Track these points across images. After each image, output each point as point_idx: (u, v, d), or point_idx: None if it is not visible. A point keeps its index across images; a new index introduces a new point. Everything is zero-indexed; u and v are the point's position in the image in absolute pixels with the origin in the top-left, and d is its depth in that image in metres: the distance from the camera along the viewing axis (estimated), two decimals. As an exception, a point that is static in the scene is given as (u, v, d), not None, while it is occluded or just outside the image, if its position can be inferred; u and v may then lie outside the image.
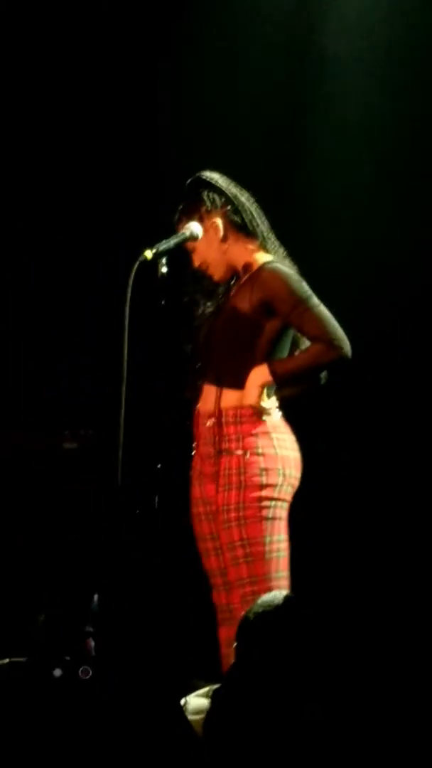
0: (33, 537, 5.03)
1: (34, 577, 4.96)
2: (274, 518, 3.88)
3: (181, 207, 3.99)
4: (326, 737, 2.93)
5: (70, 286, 5.52)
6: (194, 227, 3.93)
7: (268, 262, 3.95)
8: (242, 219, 3.98)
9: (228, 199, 3.98)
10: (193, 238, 3.92)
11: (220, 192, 3.98)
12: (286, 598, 3.22)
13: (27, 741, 3.38)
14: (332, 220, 5.20)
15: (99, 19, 5.47)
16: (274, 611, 3.20)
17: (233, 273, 4.03)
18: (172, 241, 3.85)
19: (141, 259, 3.74)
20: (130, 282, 3.67)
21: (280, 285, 3.89)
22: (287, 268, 3.94)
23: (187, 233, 3.91)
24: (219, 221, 3.97)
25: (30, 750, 3.37)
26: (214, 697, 3.15)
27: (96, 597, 4.79)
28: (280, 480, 3.89)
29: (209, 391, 3.98)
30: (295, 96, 5.29)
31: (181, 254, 3.93)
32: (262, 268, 3.93)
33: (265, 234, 4.02)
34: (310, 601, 3.20)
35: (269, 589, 3.64)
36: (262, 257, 3.99)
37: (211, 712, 3.14)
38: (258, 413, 3.89)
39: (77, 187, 5.53)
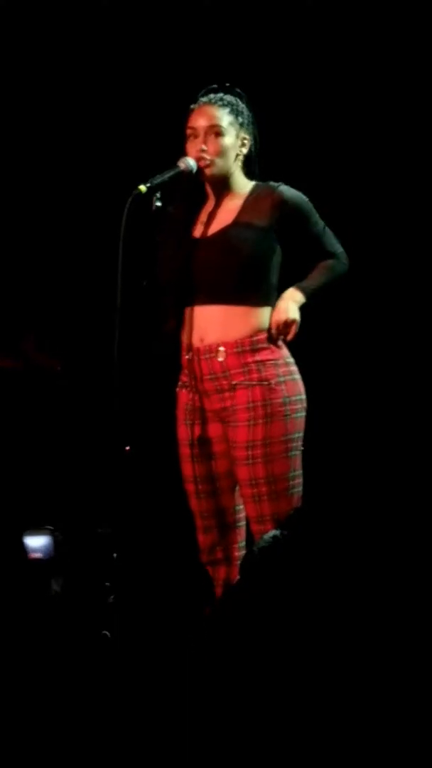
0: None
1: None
2: (296, 450, 3.87)
3: (221, 96, 3.94)
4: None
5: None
6: (190, 161, 3.88)
7: (280, 184, 3.95)
8: (253, 157, 3.98)
9: (255, 136, 3.98)
10: (189, 171, 3.87)
11: (253, 125, 3.98)
12: (284, 535, 3.20)
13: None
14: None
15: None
16: (276, 547, 3.18)
17: (218, 186, 3.96)
18: (166, 175, 3.81)
19: (135, 192, 3.71)
20: (125, 215, 3.65)
21: (304, 202, 3.94)
22: None
23: (182, 166, 3.87)
24: (249, 142, 3.96)
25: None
26: (205, 621, 3.15)
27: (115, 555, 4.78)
28: (299, 407, 3.89)
29: (205, 318, 3.90)
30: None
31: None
32: (281, 187, 3.93)
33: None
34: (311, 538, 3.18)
35: None
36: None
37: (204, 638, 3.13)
38: (285, 333, 3.86)
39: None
